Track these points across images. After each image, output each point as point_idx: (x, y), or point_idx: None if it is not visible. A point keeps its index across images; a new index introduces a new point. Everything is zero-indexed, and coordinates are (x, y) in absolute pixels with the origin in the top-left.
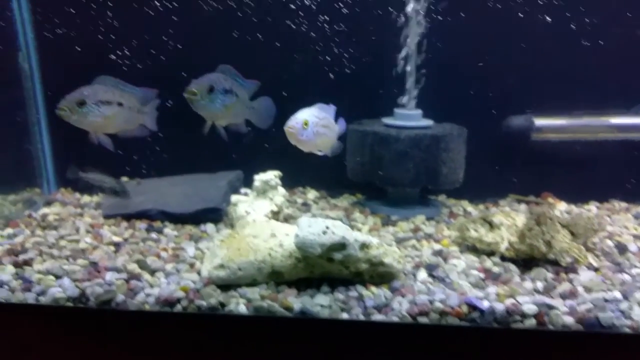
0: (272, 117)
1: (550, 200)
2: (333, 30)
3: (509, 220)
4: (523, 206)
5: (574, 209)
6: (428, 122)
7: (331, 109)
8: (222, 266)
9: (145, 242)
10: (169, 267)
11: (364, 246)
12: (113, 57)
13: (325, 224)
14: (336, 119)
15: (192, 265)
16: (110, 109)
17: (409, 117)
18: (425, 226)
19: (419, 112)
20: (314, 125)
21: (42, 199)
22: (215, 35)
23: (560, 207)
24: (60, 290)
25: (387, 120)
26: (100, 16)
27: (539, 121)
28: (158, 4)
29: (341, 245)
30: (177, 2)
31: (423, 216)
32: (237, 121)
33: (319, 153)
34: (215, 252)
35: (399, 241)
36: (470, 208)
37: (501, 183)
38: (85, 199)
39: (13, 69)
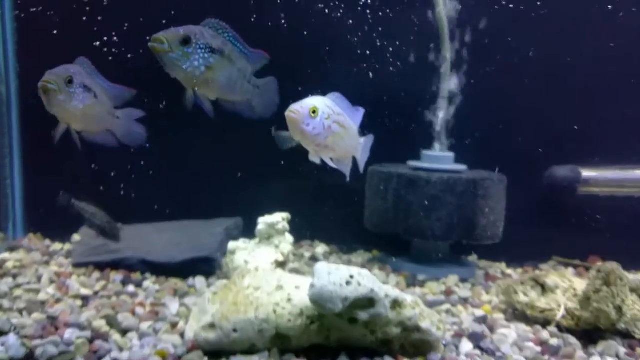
0: (275, 104)
1: (600, 264)
2: (352, 65)
3: (566, 283)
4: (570, 270)
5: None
6: (461, 167)
7: (359, 113)
8: (212, 326)
9: (119, 297)
10: (145, 326)
11: (395, 304)
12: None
13: (349, 271)
14: (362, 132)
15: (173, 325)
16: (90, 97)
17: (439, 159)
18: (459, 289)
19: (451, 154)
20: (325, 116)
21: (4, 244)
22: None
23: None
24: (1, 349)
25: (414, 163)
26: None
27: (587, 172)
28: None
29: (368, 301)
30: None
31: (456, 277)
32: (235, 98)
33: (330, 162)
34: (205, 307)
35: (430, 305)
36: (509, 271)
37: (542, 243)
38: (56, 246)
39: None
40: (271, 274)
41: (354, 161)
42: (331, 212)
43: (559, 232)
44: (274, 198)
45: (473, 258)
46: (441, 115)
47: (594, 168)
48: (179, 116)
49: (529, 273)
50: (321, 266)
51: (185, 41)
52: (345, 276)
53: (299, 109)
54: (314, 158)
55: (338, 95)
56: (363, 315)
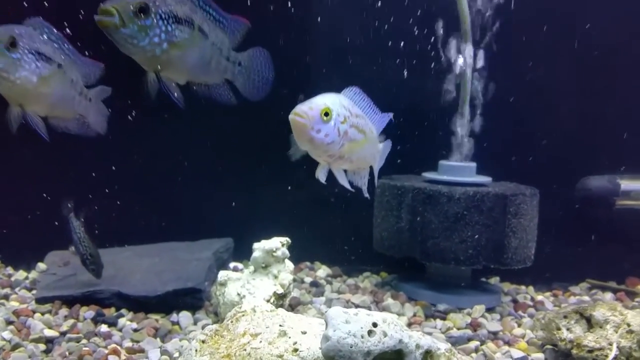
0: (268, 82)
1: None
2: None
3: (617, 316)
4: (609, 295)
5: None
6: (485, 179)
7: (385, 117)
8: None
9: (89, 339)
10: None
11: (428, 356)
12: None
13: (372, 318)
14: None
15: None
16: (49, 68)
17: (460, 170)
18: (486, 321)
19: (473, 165)
20: (340, 119)
21: None
22: None
23: None
24: None
25: (431, 175)
26: None
27: (626, 184)
28: None
29: (397, 355)
30: None
31: (482, 306)
32: (210, 80)
33: (343, 179)
34: (192, 359)
35: (456, 343)
36: (540, 297)
37: (572, 263)
38: (20, 274)
39: None
40: (272, 315)
41: (371, 172)
42: (333, 228)
43: (592, 251)
44: (269, 213)
45: (494, 280)
46: (462, 121)
47: (634, 179)
48: (155, 114)
49: (558, 296)
50: (336, 312)
51: (142, 11)
52: (367, 324)
53: (307, 110)
54: (321, 174)
55: (356, 90)
56: None
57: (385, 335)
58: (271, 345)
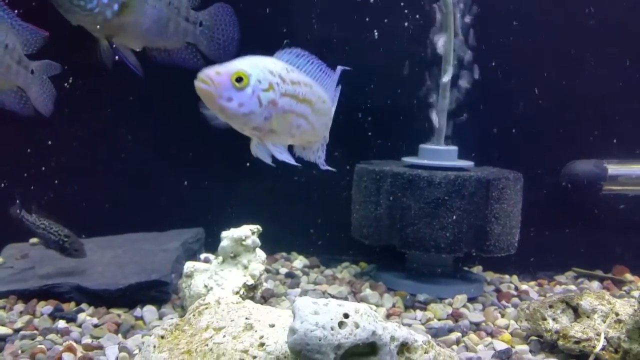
0: (234, 41)
1: (628, 276)
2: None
3: (605, 305)
4: (596, 284)
5: None
6: (467, 163)
7: (330, 78)
8: None
9: (45, 336)
10: None
11: (404, 348)
12: None
13: (342, 309)
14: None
15: None
16: None
17: (441, 154)
18: (468, 311)
19: (454, 148)
20: (262, 86)
21: None
22: None
23: None
24: None
25: (411, 160)
26: None
27: (613, 168)
28: None
29: (370, 348)
30: None
31: (464, 295)
32: (167, 44)
33: (286, 157)
34: (150, 357)
35: (436, 334)
36: (524, 286)
37: (558, 251)
38: None
39: None
40: (237, 308)
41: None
42: (311, 217)
43: (577, 238)
44: (243, 201)
45: (477, 269)
46: (442, 103)
47: (621, 163)
48: (122, 96)
49: (545, 286)
50: (304, 303)
51: None
52: (338, 315)
53: (213, 75)
54: (259, 151)
55: (299, 52)
56: None
57: (357, 326)
58: (235, 340)
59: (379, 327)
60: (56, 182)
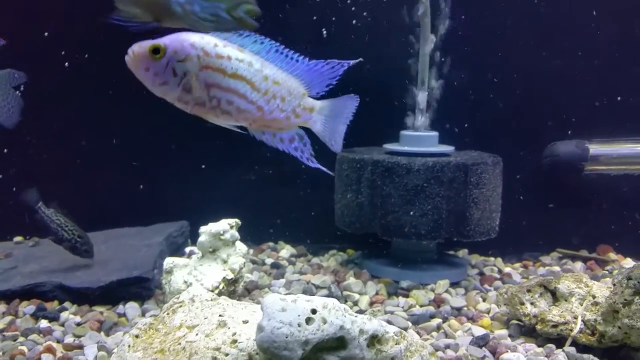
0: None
1: (612, 255)
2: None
3: (582, 288)
4: (579, 265)
5: None
6: (448, 148)
7: (303, 63)
8: None
9: (27, 337)
10: None
11: (374, 340)
12: None
13: (310, 305)
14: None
15: None
16: None
17: (421, 140)
18: (450, 296)
19: (435, 134)
20: (179, 57)
21: None
22: None
23: (626, 265)
24: None
25: (392, 146)
26: None
27: (595, 148)
28: None
29: (338, 342)
30: None
31: (446, 281)
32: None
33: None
34: (125, 357)
35: (417, 321)
36: (507, 268)
37: (542, 232)
38: None
39: None
40: (211, 305)
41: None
42: (297, 206)
43: (562, 219)
44: (228, 193)
45: (462, 252)
46: (422, 88)
47: (603, 143)
48: (104, 89)
49: (529, 267)
50: (272, 300)
51: None
52: (305, 312)
53: (135, 48)
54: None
55: (246, 33)
56: None
57: (324, 322)
58: (208, 338)
59: (347, 321)
60: (39, 176)
